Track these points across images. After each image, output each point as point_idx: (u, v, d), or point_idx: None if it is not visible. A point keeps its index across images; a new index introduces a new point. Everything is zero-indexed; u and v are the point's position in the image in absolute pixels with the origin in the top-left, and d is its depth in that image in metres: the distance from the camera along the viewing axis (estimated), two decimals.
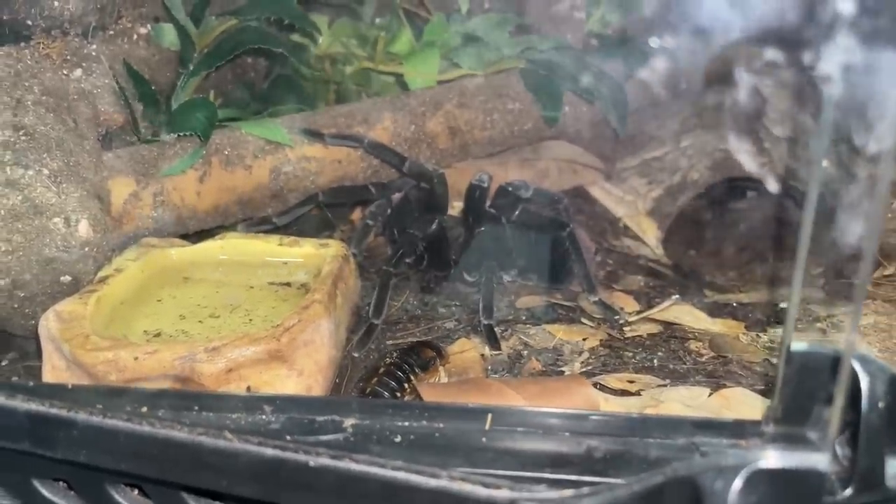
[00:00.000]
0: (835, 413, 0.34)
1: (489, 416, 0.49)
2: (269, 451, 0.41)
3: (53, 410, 0.46)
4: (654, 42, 1.25)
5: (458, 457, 0.47)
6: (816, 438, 0.33)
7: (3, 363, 0.75)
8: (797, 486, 0.33)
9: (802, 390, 0.37)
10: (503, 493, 0.36)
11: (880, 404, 0.37)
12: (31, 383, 0.62)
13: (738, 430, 0.46)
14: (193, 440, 0.43)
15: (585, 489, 0.36)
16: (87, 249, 0.71)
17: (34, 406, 0.46)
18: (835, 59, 0.31)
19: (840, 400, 0.34)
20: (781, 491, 0.33)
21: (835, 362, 0.36)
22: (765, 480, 0.33)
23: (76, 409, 0.45)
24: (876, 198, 0.31)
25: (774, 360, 0.73)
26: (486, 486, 0.37)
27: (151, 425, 0.44)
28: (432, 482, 0.37)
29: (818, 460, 0.32)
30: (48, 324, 0.66)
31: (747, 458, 0.33)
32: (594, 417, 0.49)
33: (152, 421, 0.44)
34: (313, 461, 0.40)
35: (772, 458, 0.33)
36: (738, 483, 0.33)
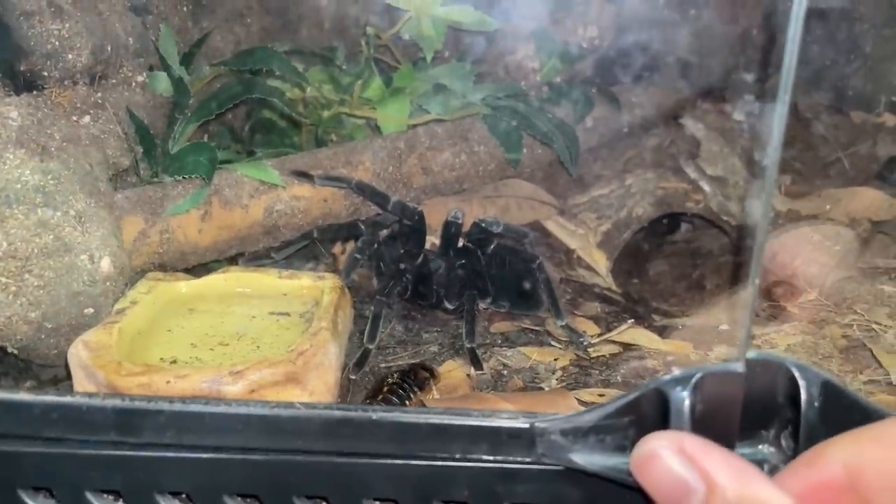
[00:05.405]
0: None
1: None
2: (337, 413, 0.49)
3: (137, 403, 0.52)
4: (598, 88, 1.39)
5: None
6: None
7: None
8: (723, 382, 0.44)
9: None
10: (521, 421, 0.47)
11: (815, 403, 0.48)
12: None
13: None
14: (271, 412, 0.50)
15: (583, 409, 0.46)
16: (108, 284, 0.77)
17: (119, 402, 0.52)
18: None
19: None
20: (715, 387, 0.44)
21: (779, 367, 0.47)
22: (708, 382, 0.44)
23: (157, 399, 0.52)
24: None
25: None
26: (508, 418, 0.47)
27: (228, 405, 0.51)
28: (468, 420, 0.47)
29: (737, 366, 0.44)
30: (78, 352, 0.71)
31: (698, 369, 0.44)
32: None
33: (229, 402, 0.51)
34: (374, 415, 0.48)
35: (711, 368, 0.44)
36: (691, 384, 0.43)
